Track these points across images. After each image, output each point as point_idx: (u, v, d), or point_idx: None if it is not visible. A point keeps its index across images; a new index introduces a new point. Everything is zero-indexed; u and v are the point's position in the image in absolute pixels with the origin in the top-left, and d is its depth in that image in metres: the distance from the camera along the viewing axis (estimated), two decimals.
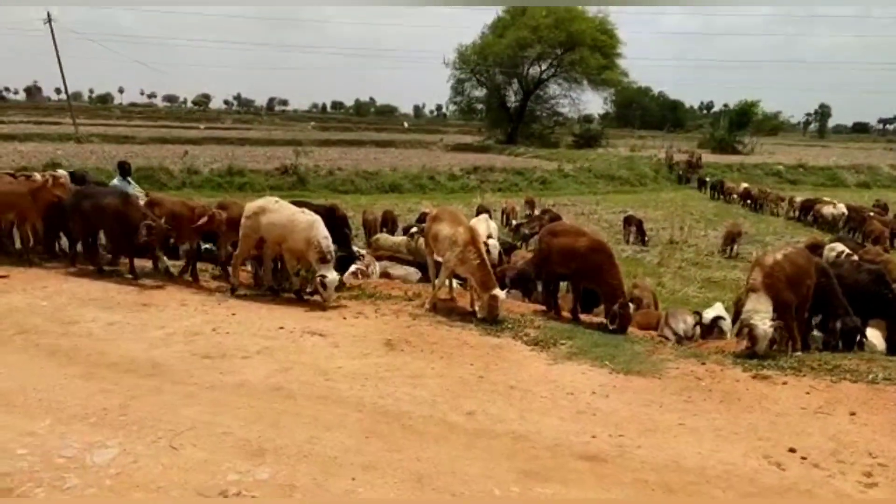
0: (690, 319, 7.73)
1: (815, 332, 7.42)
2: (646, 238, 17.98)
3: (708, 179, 30.69)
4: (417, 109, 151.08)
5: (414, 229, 12.13)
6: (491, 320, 7.12)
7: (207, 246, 9.22)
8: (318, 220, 7.62)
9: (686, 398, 5.34)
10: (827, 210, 21.33)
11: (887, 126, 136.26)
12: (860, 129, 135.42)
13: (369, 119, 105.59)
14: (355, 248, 9.60)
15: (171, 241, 8.70)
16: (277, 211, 7.81)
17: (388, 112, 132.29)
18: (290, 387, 5.21)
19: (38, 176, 9.60)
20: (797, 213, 23.42)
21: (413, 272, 9.61)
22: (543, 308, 7.91)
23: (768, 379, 5.73)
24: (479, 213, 13.87)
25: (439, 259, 7.83)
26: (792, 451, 4.43)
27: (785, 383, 5.64)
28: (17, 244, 9.35)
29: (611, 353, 6.32)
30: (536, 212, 19.10)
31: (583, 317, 7.73)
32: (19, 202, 8.78)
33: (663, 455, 4.34)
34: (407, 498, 3.72)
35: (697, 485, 4.01)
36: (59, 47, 38.87)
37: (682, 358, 6.32)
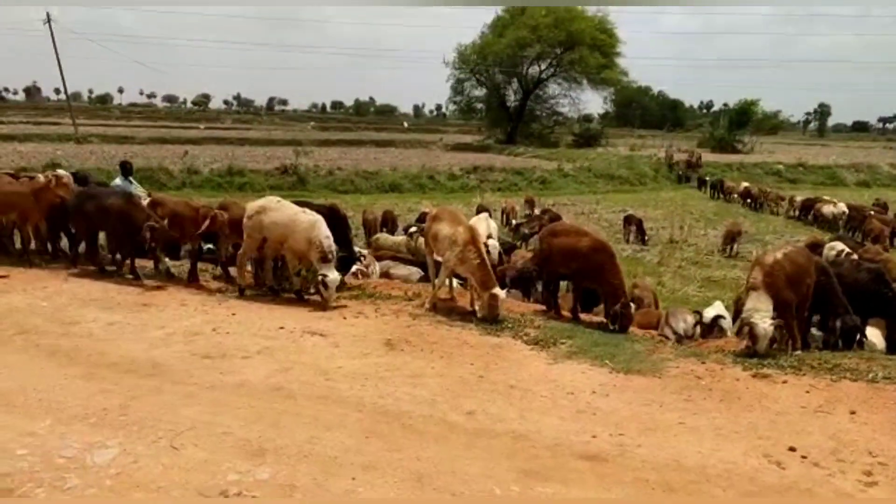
0: (690, 319, 7.73)
1: (815, 331, 7.44)
2: (646, 237, 17.99)
3: (708, 179, 30.68)
4: (417, 109, 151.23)
5: (413, 229, 12.14)
6: (491, 320, 7.12)
7: (209, 246, 9.22)
8: (319, 220, 7.62)
9: (686, 397, 5.34)
10: (827, 209, 21.32)
11: (887, 125, 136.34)
12: (860, 127, 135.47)
13: (369, 119, 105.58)
14: (356, 249, 9.60)
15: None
16: (279, 210, 7.82)
17: (387, 112, 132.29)
18: (291, 387, 5.21)
19: (40, 177, 9.59)
20: (797, 212, 23.42)
21: (416, 272, 9.61)
22: (543, 308, 7.91)
23: (768, 378, 5.73)
24: (478, 212, 13.86)
25: (439, 259, 7.83)
26: (792, 449, 4.43)
27: (785, 382, 5.64)
28: (18, 244, 9.36)
29: (611, 353, 6.32)
30: (536, 211, 19.11)
31: (583, 316, 7.73)
32: (21, 202, 8.78)
33: (664, 454, 4.34)
34: (407, 497, 3.73)
35: (698, 484, 4.01)
36: (59, 47, 38.91)
37: (682, 357, 6.32)
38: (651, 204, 25.97)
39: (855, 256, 10.50)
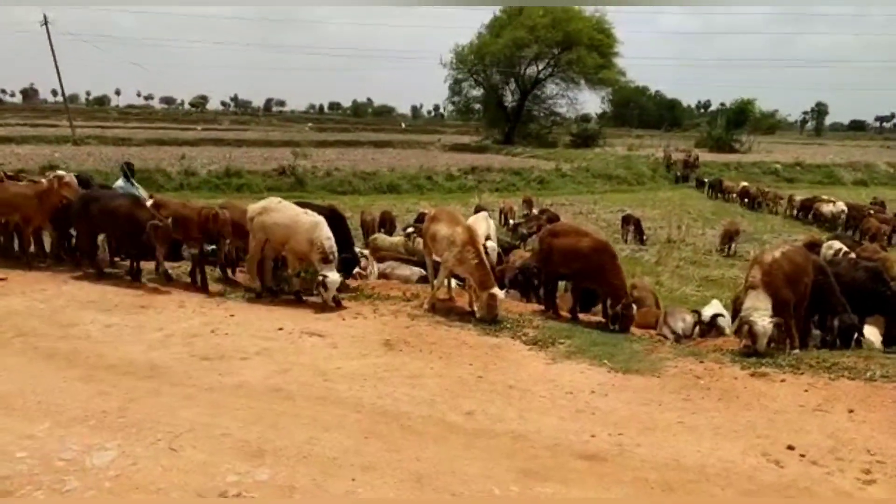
0: (689, 318, 7.74)
1: (813, 330, 7.44)
2: (644, 237, 18.00)
3: (707, 180, 30.71)
4: (415, 110, 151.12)
5: (410, 229, 12.14)
6: (490, 320, 7.13)
7: (212, 247, 9.18)
8: (321, 221, 7.62)
9: (685, 396, 5.34)
10: (826, 208, 21.35)
11: (884, 124, 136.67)
12: (857, 126, 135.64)
13: (367, 120, 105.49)
14: (357, 250, 9.59)
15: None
16: (281, 211, 7.82)
17: (385, 112, 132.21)
18: (289, 388, 5.21)
19: (43, 180, 9.57)
20: (797, 211, 23.45)
21: (419, 272, 9.60)
22: (542, 308, 7.92)
23: (766, 377, 5.74)
24: (476, 212, 13.86)
25: (438, 259, 7.83)
26: (790, 448, 4.44)
27: (783, 381, 5.65)
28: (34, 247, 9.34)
29: (609, 352, 6.33)
30: (534, 211, 19.13)
31: (581, 316, 7.74)
32: (25, 204, 8.76)
33: (663, 453, 4.35)
34: (407, 498, 3.73)
35: (697, 483, 4.01)
36: (56, 49, 38.79)
37: (680, 356, 6.32)
38: (649, 204, 25.99)
39: (853, 255, 10.53)
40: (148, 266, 8.58)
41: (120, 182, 10.81)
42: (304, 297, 7.86)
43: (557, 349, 6.45)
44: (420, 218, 13.18)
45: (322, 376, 5.47)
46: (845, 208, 20.80)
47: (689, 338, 7.48)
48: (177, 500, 3.61)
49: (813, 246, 11.73)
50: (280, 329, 6.69)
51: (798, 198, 24.11)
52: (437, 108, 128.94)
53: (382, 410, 4.85)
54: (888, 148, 64.37)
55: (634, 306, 7.43)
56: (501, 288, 7.73)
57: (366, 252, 10.08)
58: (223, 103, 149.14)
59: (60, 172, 10.55)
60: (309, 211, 7.89)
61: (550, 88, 57.00)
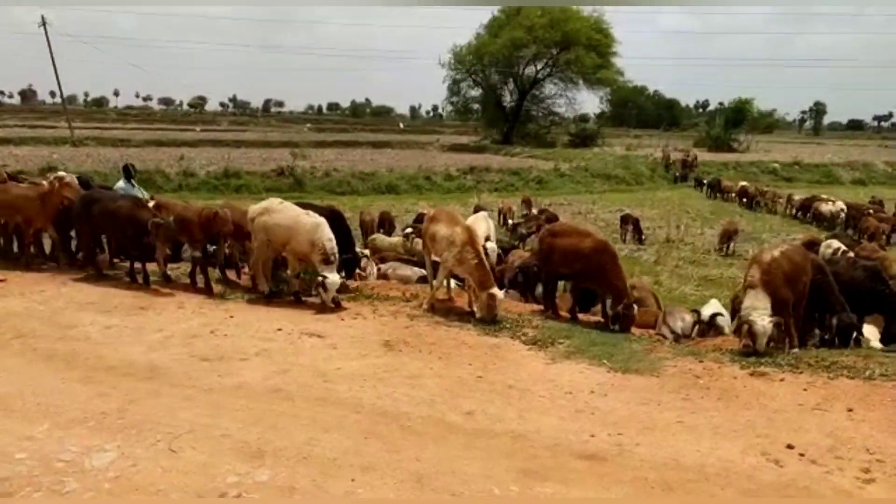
0: (688, 318, 7.74)
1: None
2: (643, 237, 18.01)
3: (705, 181, 30.73)
4: (414, 110, 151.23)
5: (409, 230, 12.15)
6: (489, 320, 7.13)
7: (213, 248, 9.17)
8: (323, 223, 7.61)
9: (684, 396, 5.35)
10: (825, 207, 21.36)
11: (882, 123, 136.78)
12: (855, 126, 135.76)
13: (365, 120, 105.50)
14: (358, 250, 9.59)
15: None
16: (282, 212, 7.81)
17: (384, 113, 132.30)
18: (289, 388, 5.21)
19: (44, 182, 9.56)
20: (796, 211, 23.47)
21: (420, 273, 9.59)
22: (541, 308, 7.92)
23: (766, 376, 5.75)
24: (475, 212, 13.87)
25: (437, 259, 7.83)
26: (790, 447, 4.44)
27: (782, 380, 5.66)
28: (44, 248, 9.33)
29: (609, 352, 6.33)
30: (533, 211, 19.14)
31: (580, 316, 7.74)
32: (27, 206, 8.75)
33: (662, 453, 4.35)
34: (407, 498, 3.73)
35: (696, 482, 4.02)
36: (54, 50, 38.96)
37: (679, 356, 6.33)
38: (648, 203, 25.99)
39: (851, 254, 10.54)
40: (154, 269, 8.56)
41: (121, 183, 10.79)
42: (303, 298, 7.86)
43: (557, 349, 6.45)
44: (419, 218, 13.18)
45: (322, 377, 5.47)
46: (844, 207, 20.81)
47: (689, 337, 7.48)
48: (176, 502, 3.61)
49: (812, 245, 11.74)
50: (279, 330, 6.69)
51: (797, 197, 24.13)
52: (435, 108, 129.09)
53: (382, 411, 4.85)
54: (886, 147, 64.46)
55: (636, 306, 7.43)
56: (501, 288, 7.73)
57: (366, 252, 10.06)
58: (222, 104, 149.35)
59: (61, 173, 10.55)
60: (310, 212, 7.89)
61: (549, 88, 57.10)
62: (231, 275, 8.89)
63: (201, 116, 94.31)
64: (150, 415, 4.59)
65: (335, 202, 16.09)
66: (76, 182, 9.82)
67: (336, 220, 8.40)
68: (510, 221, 18.34)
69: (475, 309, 7.39)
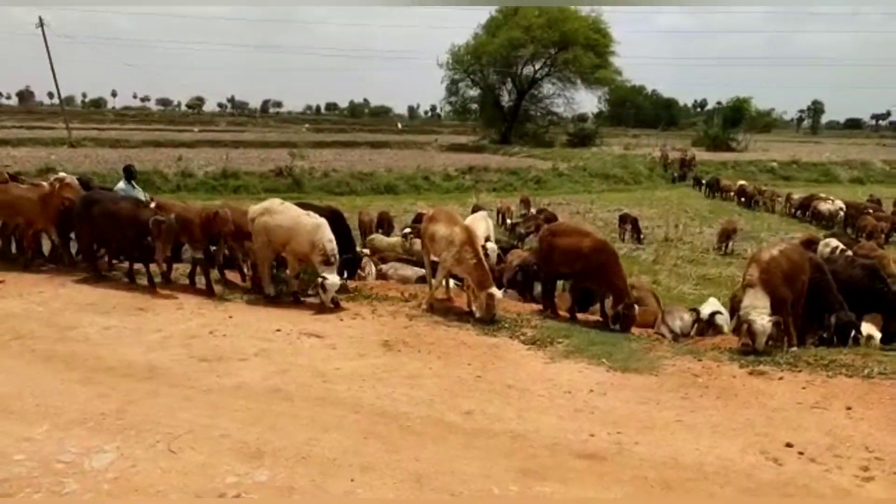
0: (687, 317, 7.75)
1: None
2: (641, 236, 18.02)
3: (704, 180, 30.75)
4: (412, 110, 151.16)
5: (407, 230, 12.15)
6: (488, 320, 7.13)
7: (213, 248, 9.14)
8: (323, 223, 7.61)
9: (683, 395, 5.35)
10: (824, 206, 21.38)
11: (880, 122, 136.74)
12: (853, 125, 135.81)
13: (364, 120, 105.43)
14: (359, 250, 9.58)
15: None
16: (283, 213, 7.80)
17: (382, 113, 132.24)
18: (288, 388, 5.21)
19: (45, 184, 9.54)
20: (795, 210, 23.49)
21: (421, 273, 9.58)
22: (540, 307, 7.92)
23: (764, 375, 5.76)
24: (474, 211, 13.87)
25: (436, 259, 7.83)
26: (789, 446, 4.45)
27: (781, 379, 5.67)
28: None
29: (608, 351, 6.34)
30: (532, 211, 19.13)
31: (579, 315, 7.74)
32: (28, 208, 8.73)
33: (661, 452, 4.36)
34: (406, 498, 3.73)
35: (696, 481, 4.02)
36: (52, 51, 38.69)
37: (678, 355, 6.34)
38: (646, 203, 26.00)
39: (849, 253, 10.55)
40: (157, 270, 8.55)
41: (121, 184, 10.77)
42: (302, 298, 7.85)
43: (556, 348, 6.46)
44: (418, 218, 13.17)
45: (321, 377, 5.47)
46: (843, 206, 20.83)
47: (687, 336, 7.49)
48: (176, 502, 3.61)
49: (810, 243, 11.76)
50: (278, 330, 6.69)
51: (796, 196, 24.15)
52: (433, 108, 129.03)
53: (381, 411, 4.85)
54: (884, 146, 64.54)
55: (636, 306, 7.43)
56: (500, 288, 7.74)
57: (366, 251, 10.05)
58: (220, 105, 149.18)
59: (62, 174, 10.53)
60: (311, 213, 7.88)
61: (547, 88, 57.10)
62: (236, 277, 8.86)
63: (199, 117, 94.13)
64: (149, 415, 4.59)
65: (334, 202, 16.07)
66: (77, 183, 9.80)
67: (336, 221, 8.39)
68: (509, 221, 18.34)
69: (474, 309, 7.40)
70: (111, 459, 3.98)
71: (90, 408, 4.69)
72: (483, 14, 61.31)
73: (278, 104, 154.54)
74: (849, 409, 5.05)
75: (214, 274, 8.77)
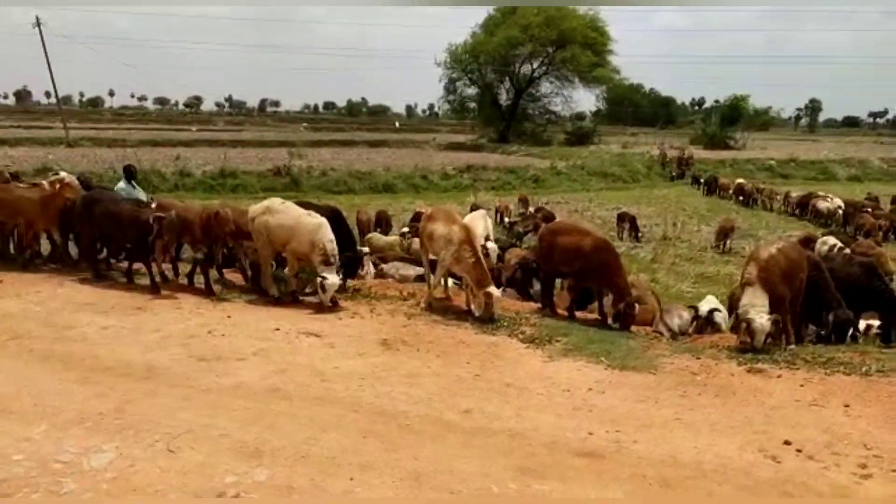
0: (685, 315, 7.76)
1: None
2: (639, 234, 18.03)
3: (702, 179, 30.78)
4: (410, 109, 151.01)
5: (405, 229, 12.14)
6: (487, 318, 7.13)
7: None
8: (324, 223, 7.60)
9: (681, 393, 5.36)
10: (823, 204, 21.40)
11: (877, 120, 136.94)
12: (851, 123, 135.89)
13: (361, 119, 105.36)
14: (359, 249, 9.56)
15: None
16: (283, 212, 7.79)
17: (380, 112, 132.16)
18: (287, 388, 5.20)
19: (45, 184, 9.53)
20: (793, 208, 23.51)
21: (420, 271, 9.56)
22: (539, 306, 7.92)
23: (763, 373, 5.77)
24: (472, 210, 13.87)
25: (435, 258, 7.83)
26: (787, 443, 4.46)
27: (779, 377, 5.68)
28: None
29: (606, 350, 6.34)
30: (530, 210, 19.13)
31: (578, 314, 7.75)
32: (29, 208, 8.71)
33: (660, 450, 4.36)
34: (405, 497, 3.73)
35: (694, 479, 4.03)
36: (49, 51, 38.69)
37: (677, 353, 6.35)
38: (644, 201, 26.01)
39: (847, 251, 10.57)
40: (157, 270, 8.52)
41: (122, 184, 10.74)
42: (301, 297, 7.85)
43: (554, 347, 6.46)
44: (416, 217, 13.17)
45: (319, 376, 5.47)
46: (842, 204, 20.85)
47: (686, 334, 7.50)
48: (175, 502, 3.61)
49: (808, 242, 11.78)
50: (277, 329, 6.68)
51: (794, 194, 24.17)
52: (431, 107, 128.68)
53: (380, 410, 4.85)
54: (881, 144, 64.61)
55: (637, 305, 7.43)
56: (498, 287, 7.74)
57: (366, 250, 10.04)
58: (217, 104, 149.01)
59: (63, 174, 10.51)
60: (312, 212, 7.87)
61: (545, 87, 57.20)
62: (235, 277, 8.84)
63: (197, 116, 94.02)
64: (147, 415, 4.58)
65: (332, 201, 16.05)
66: (77, 183, 9.79)
67: (336, 220, 8.38)
68: (507, 220, 18.35)
69: (473, 307, 7.40)
70: (110, 459, 3.97)
71: (88, 407, 4.68)
72: (481, 13, 61.35)
73: (276, 103, 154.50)
74: (847, 406, 5.06)
75: (213, 273, 8.77)
